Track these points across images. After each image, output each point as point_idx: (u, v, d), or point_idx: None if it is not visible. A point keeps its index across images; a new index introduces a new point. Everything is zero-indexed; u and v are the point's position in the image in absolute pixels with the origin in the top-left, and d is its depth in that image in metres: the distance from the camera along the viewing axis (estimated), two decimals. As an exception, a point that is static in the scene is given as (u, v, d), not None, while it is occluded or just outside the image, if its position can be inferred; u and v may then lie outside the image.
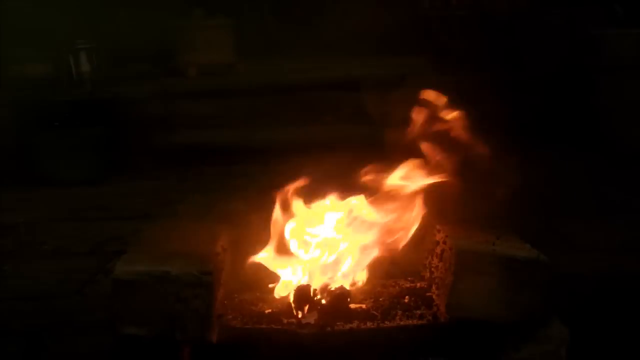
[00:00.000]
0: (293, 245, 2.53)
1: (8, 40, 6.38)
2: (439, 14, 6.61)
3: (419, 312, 2.38)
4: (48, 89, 6.03)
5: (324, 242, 2.53)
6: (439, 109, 2.55)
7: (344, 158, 2.67)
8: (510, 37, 6.60)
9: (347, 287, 2.51)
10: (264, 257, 2.52)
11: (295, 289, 2.44)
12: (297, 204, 2.55)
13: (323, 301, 2.40)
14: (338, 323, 2.32)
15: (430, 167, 2.54)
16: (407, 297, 2.49)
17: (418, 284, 2.59)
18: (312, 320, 2.34)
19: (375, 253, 2.50)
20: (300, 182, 2.55)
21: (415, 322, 2.33)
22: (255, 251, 2.55)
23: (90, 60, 6.10)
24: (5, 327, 3.16)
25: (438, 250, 2.41)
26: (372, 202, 2.52)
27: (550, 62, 6.46)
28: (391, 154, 2.61)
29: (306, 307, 2.38)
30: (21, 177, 5.88)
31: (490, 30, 6.58)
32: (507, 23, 6.63)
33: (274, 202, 2.57)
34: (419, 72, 6.69)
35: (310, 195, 2.58)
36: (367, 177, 2.53)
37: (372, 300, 2.48)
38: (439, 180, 2.52)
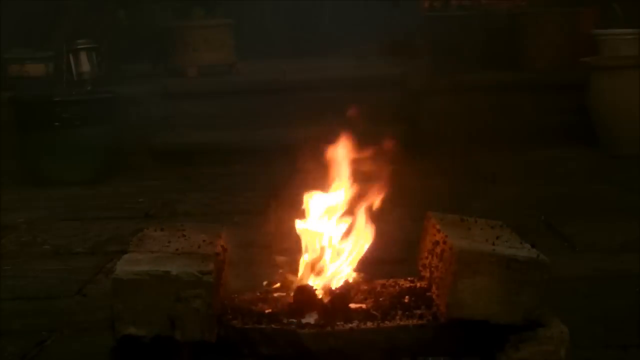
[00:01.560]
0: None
1: (8, 40, 6.39)
2: (439, 14, 6.60)
3: (419, 312, 2.38)
4: (48, 89, 6.03)
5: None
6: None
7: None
8: (510, 37, 6.60)
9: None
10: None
11: (295, 288, 2.44)
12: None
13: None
14: (338, 323, 2.32)
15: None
16: (407, 297, 2.49)
17: (418, 284, 2.59)
18: (312, 320, 2.34)
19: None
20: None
21: (415, 322, 2.33)
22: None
23: (90, 60, 6.10)
24: (5, 327, 3.16)
25: (438, 250, 2.41)
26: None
27: (550, 62, 6.46)
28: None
29: (307, 308, 2.38)
30: (21, 177, 5.88)
31: (490, 30, 6.58)
32: (507, 23, 6.64)
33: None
34: (419, 72, 6.69)
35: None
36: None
37: (372, 300, 2.48)
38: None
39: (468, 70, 6.47)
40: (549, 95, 6.29)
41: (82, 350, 2.93)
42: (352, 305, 2.43)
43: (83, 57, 6.11)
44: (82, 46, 6.14)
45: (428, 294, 2.48)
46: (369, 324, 2.32)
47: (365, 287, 2.56)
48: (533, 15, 6.52)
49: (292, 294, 2.45)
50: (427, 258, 2.53)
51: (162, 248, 2.40)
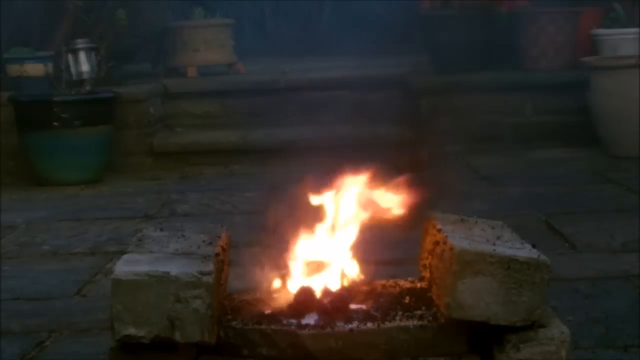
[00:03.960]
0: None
1: (8, 40, 6.38)
2: (439, 13, 6.60)
3: (419, 312, 2.38)
4: (48, 89, 6.03)
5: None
6: None
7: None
8: (510, 37, 6.60)
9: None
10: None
11: (297, 289, 2.44)
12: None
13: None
14: (338, 324, 2.32)
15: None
16: (407, 297, 2.49)
17: (418, 284, 2.59)
18: (312, 320, 2.34)
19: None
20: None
21: (415, 322, 2.32)
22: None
23: (90, 60, 6.10)
24: (5, 327, 3.15)
25: (438, 250, 2.41)
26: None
27: (550, 62, 6.46)
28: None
29: (307, 308, 2.38)
30: (21, 177, 5.88)
31: (490, 30, 6.58)
32: (507, 23, 6.63)
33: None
34: (419, 72, 6.69)
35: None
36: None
37: (372, 300, 2.48)
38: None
39: (468, 70, 6.47)
40: (549, 95, 6.29)
41: (82, 350, 2.93)
42: (352, 306, 2.43)
43: (83, 57, 6.10)
44: (81, 46, 6.13)
45: (428, 294, 2.48)
46: (369, 325, 2.32)
47: (365, 288, 2.56)
48: (533, 15, 6.52)
49: (292, 294, 2.45)
50: (427, 258, 2.53)
51: (161, 248, 2.40)
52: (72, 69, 6.07)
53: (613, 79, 5.78)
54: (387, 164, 2.58)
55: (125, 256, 2.34)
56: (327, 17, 9.76)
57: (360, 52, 8.76)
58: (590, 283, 3.40)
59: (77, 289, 3.60)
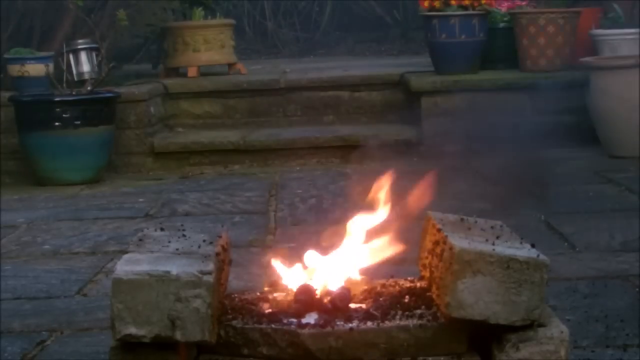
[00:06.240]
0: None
1: (8, 40, 6.39)
2: (439, 13, 6.60)
3: (419, 312, 2.38)
4: (48, 89, 6.04)
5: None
6: None
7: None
8: (510, 37, 6.60)
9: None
10: None
11: (295, 288, 2.44)
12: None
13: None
14: (338, 323, 2.32)
15: None
16: (407, 297, 2.49)
17: (418, 284, 2.59)
18: (312, 320, 2.34)
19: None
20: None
21: (415, 322, 2.33)
22: None
23: (91, 60, 6.10)
24: (5, 327, 3.16)
25: (438, 250, 2.41)
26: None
27: (550, 62, 6.47)
28: None
29: (307, 308, 2.38)
30: (21, 177, 5.88)
31: (490, 30, 6.58)
32: (507, 23, 6.64)
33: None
34: (419, 72, 6.70)
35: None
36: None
37: (372, 300, 2.48)
38: None
39: (468, 70, 6.47)
40: (549, 95, 6.29)
41: (82, 349, 2.93)
42: (352, 305, 2.43)
43: (83, 57, 6.11)
44: (82, 46, 6.14)
45: (428, 294, 2.48)
46: (369, 324, 2.32)
47: (365, 287, 2.56)
48: (533, 15, 6.52)
49: (292, 293, 2.45)
50: (427, 258, 2.53)
51: (162, 248, 2.40)
52: (73, 69, 6.08)
53: (613, 79, 5.78)
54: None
55: (126, 256, 2.34)
56: (327, 17, 9.77)
57: (360, 52, 8.77)
58: (590, 283, 3.40)
59: (78, 289, 3.60)
